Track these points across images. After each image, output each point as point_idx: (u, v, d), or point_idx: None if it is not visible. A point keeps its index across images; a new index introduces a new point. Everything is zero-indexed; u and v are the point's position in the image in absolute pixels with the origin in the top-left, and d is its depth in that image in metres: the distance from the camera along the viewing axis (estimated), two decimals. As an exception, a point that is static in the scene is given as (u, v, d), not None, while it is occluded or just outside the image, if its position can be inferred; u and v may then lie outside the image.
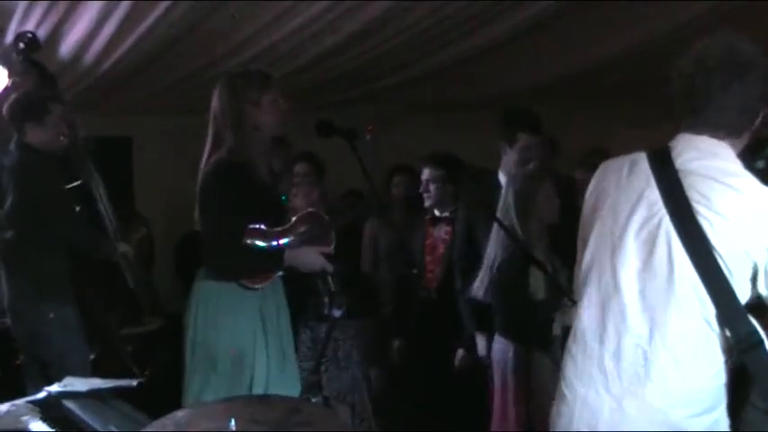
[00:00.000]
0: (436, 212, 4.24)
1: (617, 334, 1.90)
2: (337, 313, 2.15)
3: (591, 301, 1.98)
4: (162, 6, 3.84)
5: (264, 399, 2.10)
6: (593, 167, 2.15)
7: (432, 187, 4.17)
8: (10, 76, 4.23)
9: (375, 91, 5.87)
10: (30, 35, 3.89)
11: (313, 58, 4.82)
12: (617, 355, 1.89)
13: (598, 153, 4.72)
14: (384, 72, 5.45)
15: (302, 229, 3.04)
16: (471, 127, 6.78)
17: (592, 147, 4.73)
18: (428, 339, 4.06)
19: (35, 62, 3.97)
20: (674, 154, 1.90)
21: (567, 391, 2.00)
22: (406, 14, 4.32)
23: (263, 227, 2.96)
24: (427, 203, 4.21)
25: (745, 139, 1.95)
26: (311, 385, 1.87)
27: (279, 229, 3.02)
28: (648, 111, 5.91)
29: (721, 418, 1.87)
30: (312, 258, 2.98)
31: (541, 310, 3.38)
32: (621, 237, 1.92)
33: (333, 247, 3.05)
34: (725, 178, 1.82)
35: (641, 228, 1.89)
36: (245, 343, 2.89)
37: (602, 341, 1.93)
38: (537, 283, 3.41)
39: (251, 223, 2.91)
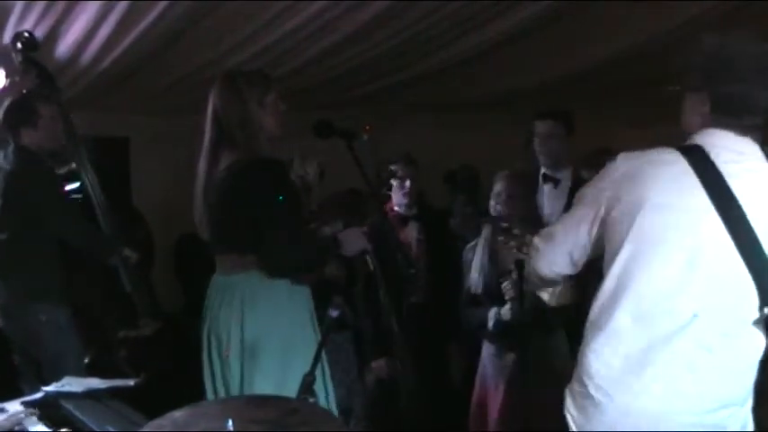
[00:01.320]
0: (401, 211, 4.17)
1: (665, 339, 1.85)
2: (334, 314, 2.13)
3: (630, 304, 1.89)
4: (160, 6, 3.83)
5: (262, 399, 2.09)
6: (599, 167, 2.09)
7: (413, 186, 4.14)
8: (8, 76, 4.23)
9: (375, 91, 5.86)
10: (27, 34, 3.87)
11: (312, 58, 4.82)
12: (663, 359, 1.85)
13: (606, 152, 4.71)
14: (384, 72, 5.44)
15: (329, 214, 2.99)
16: (471, 127, 6.80)
17: (598, 147, 4.73)
18: (424, 341, 4.04)
19: (34, 62, 3.96)
20: (712, 154, 1.86)
21: (598, 396, 1.91)
22: (405, 14, 4.32)
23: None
24: (406, 201, 4.15)
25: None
26: (308, 386, 1.86)
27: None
28: (648, 111, 5.92)
29: (749, 415, 1.90)
30: (355, 240, 2.93)
31: (482, 308, 3.49)
32: (664, 236, 1.86)
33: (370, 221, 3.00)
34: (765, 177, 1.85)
35: (688, 229, 1.84)
36: (305, 338, 2.82)
37: (650, 346, 1.86)
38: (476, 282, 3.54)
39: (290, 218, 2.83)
